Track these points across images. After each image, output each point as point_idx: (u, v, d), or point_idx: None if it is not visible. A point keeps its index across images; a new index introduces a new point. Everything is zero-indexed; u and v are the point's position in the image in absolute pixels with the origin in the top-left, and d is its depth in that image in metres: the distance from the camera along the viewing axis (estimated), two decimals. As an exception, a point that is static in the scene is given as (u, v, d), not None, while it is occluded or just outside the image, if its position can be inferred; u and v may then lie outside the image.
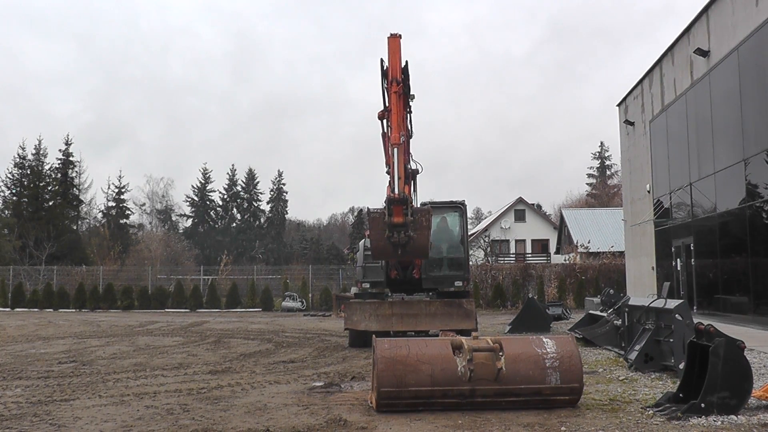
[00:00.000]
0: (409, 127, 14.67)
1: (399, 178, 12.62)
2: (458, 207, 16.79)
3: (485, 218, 74.74)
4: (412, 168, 15.19)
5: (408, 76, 13.56)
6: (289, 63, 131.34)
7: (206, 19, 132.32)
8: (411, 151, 14.99)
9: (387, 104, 13.69)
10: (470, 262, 20.26)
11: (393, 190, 12.70)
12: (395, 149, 12.79)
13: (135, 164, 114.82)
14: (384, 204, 12.91)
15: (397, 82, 13.05)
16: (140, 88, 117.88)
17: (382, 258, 15.08)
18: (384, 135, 14.39)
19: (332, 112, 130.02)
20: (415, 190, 15.93)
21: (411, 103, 14.48)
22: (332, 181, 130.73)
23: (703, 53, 21.43)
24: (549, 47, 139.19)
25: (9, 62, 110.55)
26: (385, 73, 13.48)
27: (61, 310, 36.63)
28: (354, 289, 18.98)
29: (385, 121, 14.11)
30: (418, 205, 14.76)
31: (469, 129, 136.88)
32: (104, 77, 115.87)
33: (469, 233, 17.66)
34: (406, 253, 13.40)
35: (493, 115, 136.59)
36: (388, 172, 13.48)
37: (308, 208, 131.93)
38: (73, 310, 36.43)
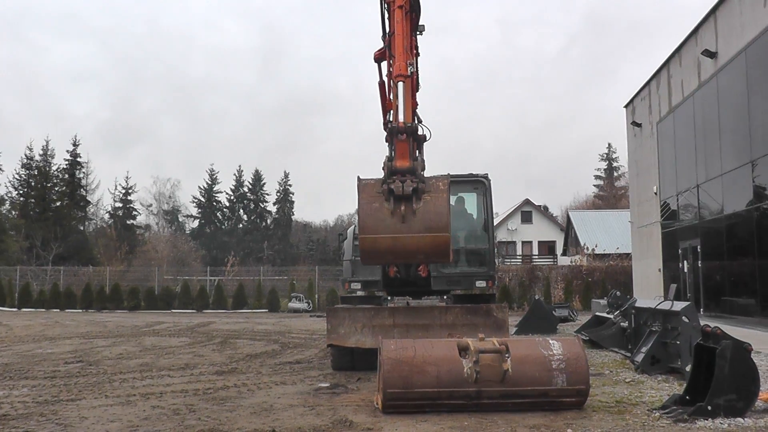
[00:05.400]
0: (417, 75, 10.90)
1: (406, 110, 9.13)
2: (480, 182, 12.65)
3: (492, 219, 74.82)
4: (419, 133, 10.59)
5: None
6: (314, 60, 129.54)
7: (230, 15, 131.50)
8: (418, 111, 11.01)
9: (388, 29, 10.17)
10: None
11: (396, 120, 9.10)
12: (399, 84, 9.20)
13: (152, 162, 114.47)
14: (382, 167, 9.02)
15: None
16: (161, 86, 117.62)
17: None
18: (382, 84, 10.98)
19: (356, 109, 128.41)
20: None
21: (419, 37, 10.92)
22: (349, 181, 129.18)
23: (711, 54, 21.38)
24: (581, 44, 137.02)
25: (28, 60, 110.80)
26: None
27: (67, 310, 36.70)
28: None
29: (384, 63, 10.63)
30: None
31: (492, 127, 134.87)
32: (125, 74, 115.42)
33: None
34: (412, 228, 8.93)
35: (520, 114, 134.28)
36: (387, 139, 9.72)
37: (324, 207, 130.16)
38: (80, 311, 36.51)
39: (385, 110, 10.49)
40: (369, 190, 8.98)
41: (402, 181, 8.72)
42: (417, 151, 10.56)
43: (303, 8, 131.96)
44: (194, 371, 11.97)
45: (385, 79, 10.83)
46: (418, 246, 8.99)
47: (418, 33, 10.68)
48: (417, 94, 11.08)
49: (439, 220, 8.86)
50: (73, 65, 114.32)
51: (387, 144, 9.80)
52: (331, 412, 8.07)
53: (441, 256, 9.17)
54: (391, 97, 9.71)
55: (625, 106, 32.35)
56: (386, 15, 10.18)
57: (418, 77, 11.09)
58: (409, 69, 9.37)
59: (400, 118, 9.01)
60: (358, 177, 9.14)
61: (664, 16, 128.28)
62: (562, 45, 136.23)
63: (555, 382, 7.81)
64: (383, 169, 9.00)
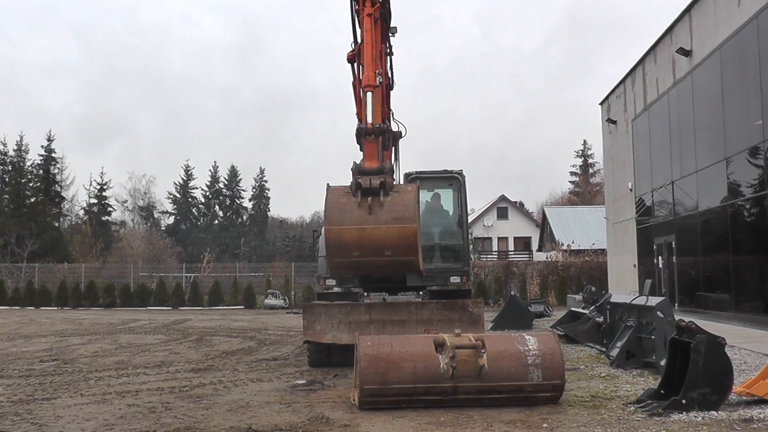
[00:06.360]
0: (390, 74, 11.22)
1: (375, 114, 9.42)
2: (455, 178, 12.73)
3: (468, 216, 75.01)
4: (393, 130, 11.38)
5: None
6: (293, 55, 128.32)
7: (208, 9, 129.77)
8: (392, 107, 11.39)
9: (358, 36, 10.36)
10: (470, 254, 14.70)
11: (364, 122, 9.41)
12: (368, 94, 9.45)
13: (127, 158, 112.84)
14: (351, 168, 9.23)
15: (372, 1, 9.88)
16: (137, 80, 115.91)
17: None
18: (355, 84, 10.99)
19: (335, 105, 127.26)
20: (396, 158, 12.46)
21: (392, 39, 11.14)
22: (326, 177, 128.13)
23: (686, 53, 21.55)
24: (561, 40, 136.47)
25: (2, 53, 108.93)
26: None
27: (42, 307, 36.30)
28: None
29: (356, 64, 10.74)
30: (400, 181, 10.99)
31: (469, 124, 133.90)
32: (101, 69, 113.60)
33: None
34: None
35: (498, 110, 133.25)
36: (359, 141, 9.69)
37: (300, 204, 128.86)
38: (55, 308, 36.13)
39: (359, 109, 10.45)
40: (337, 192, 9.15)
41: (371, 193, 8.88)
42: (393, 153, 11.01)
43: (281, 3, 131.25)
44: (170, 369, 11.90)
45: (357, 74, 10.84)
46: (385, 238, 8.90)
47: (390, 35, 10.92)
48: (391, 93, 11.27)
49: (406, 211, 8.93)
50: (49, 59, 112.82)
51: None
52: (307, 408, 8.06)
53: (408, 251, 9.08)
54: (362, 101, 9.81)
55: (601, 104, 32.55)
56: (357, 20, 10.34)
57: (392, 76, 11.30)
58: (377, 79, 9.53)
59: (369, 120, 9.26)
60: (328, 184, 9.37)
61: (643, 13, 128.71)
62: (540, 42, 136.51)
63: (531, 377, 7.86)
64: (351, 170, 9.13)
